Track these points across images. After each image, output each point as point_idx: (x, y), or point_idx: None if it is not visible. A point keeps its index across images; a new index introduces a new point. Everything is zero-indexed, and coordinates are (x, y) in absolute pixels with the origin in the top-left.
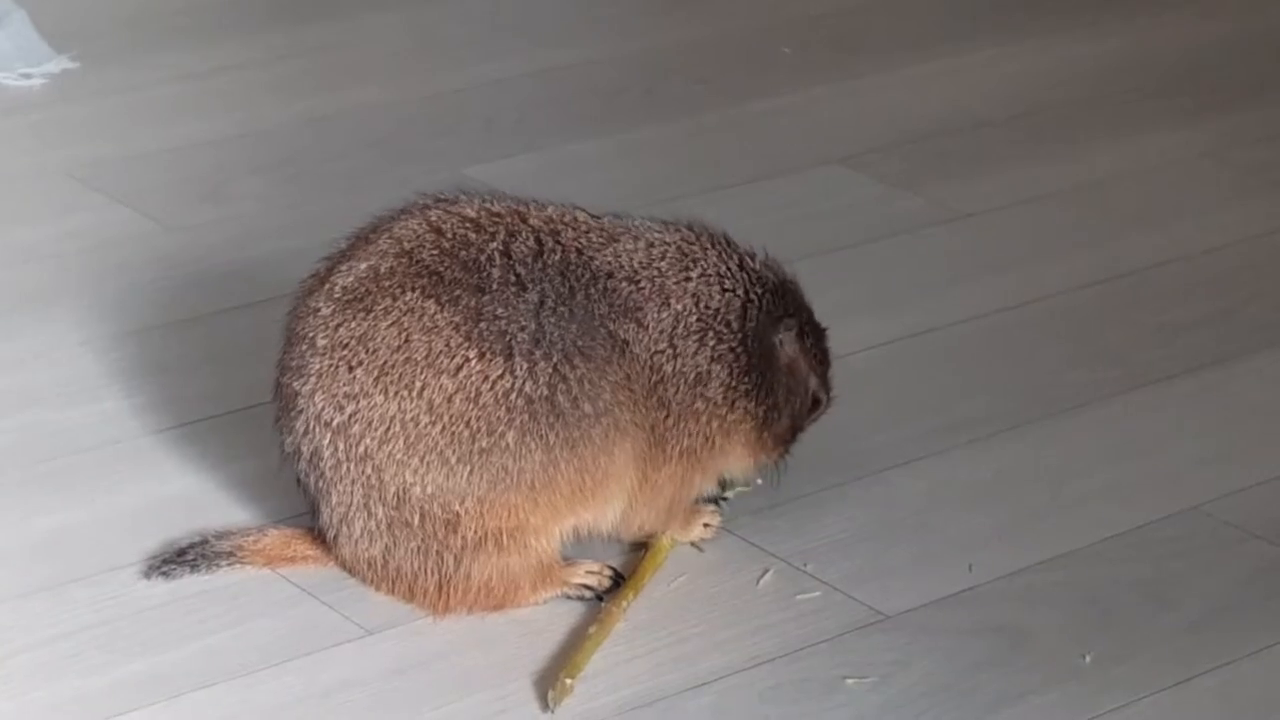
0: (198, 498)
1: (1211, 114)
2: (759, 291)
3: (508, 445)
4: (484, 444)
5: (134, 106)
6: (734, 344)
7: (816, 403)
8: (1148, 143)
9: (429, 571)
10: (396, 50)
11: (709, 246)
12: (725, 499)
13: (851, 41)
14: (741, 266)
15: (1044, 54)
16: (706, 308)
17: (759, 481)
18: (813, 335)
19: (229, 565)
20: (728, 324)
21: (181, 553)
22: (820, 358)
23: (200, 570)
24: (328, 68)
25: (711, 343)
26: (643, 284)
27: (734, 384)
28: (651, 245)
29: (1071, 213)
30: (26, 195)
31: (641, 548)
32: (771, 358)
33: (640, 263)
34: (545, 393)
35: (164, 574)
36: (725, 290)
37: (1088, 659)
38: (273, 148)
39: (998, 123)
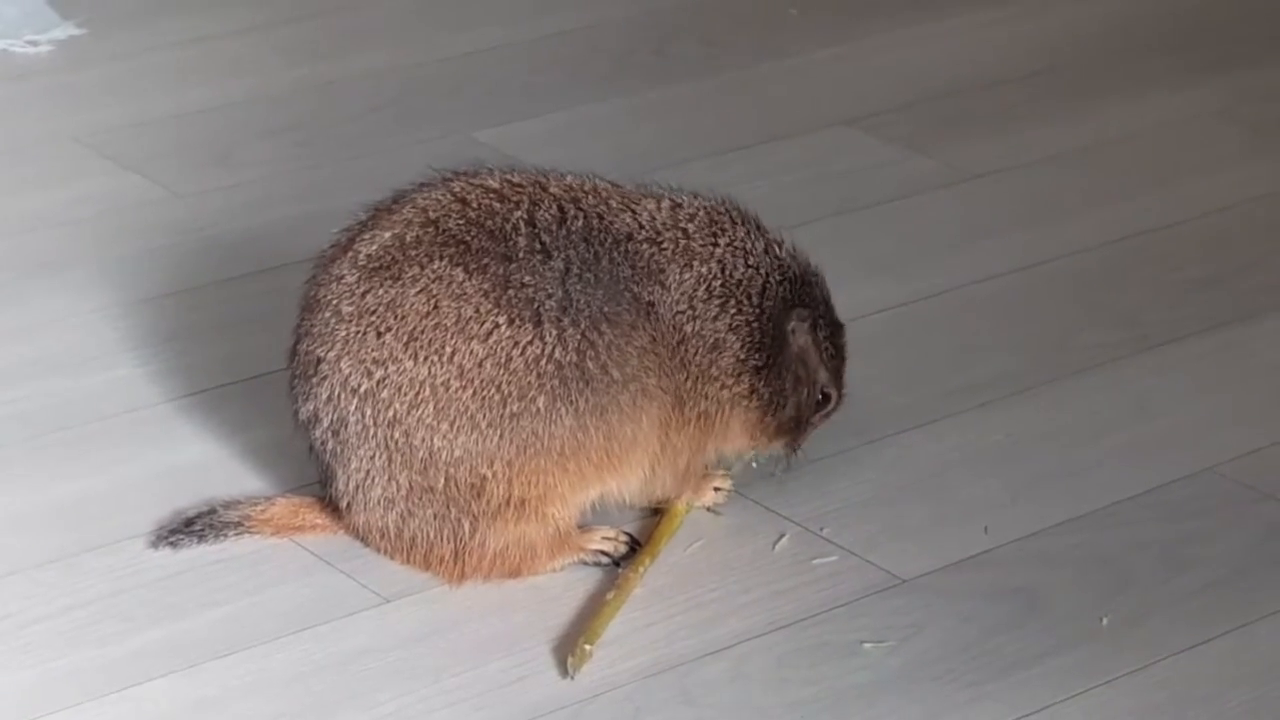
0: (212, 466)
1: (1222, 72)
2: (778, 278)
3: (538, 410)
4: (515, 408)
5: (142, 72)
6: (751, 318)
7: (826, 398)
8: (1159, 101)
9: (445, 539)
10: (404, 13)
11: (738, 222)
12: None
13: (859, 2)
14: (766, 250)
15: (1053, 13)
16: (730, 276)
17: (754, 465)
18: (828, 329)
19: (237, 535)
20: (749, 297)
21: (189, 523)
22: (834, 353)
23: (208, 540)
24: (335, 32)
25: (731, 311)
26: (665, 244)
27: (745, 358)
28: (678, 206)
29: (1083, 173)
30: (35, 162)
31: (657, 513)
32: (783, 344)
33: (664, 223)
34: (575, 359)
35: (171, 544)
36: (749, 266)
37: (1105, 621)
38: (281, 113)
39: (1007, 83)
